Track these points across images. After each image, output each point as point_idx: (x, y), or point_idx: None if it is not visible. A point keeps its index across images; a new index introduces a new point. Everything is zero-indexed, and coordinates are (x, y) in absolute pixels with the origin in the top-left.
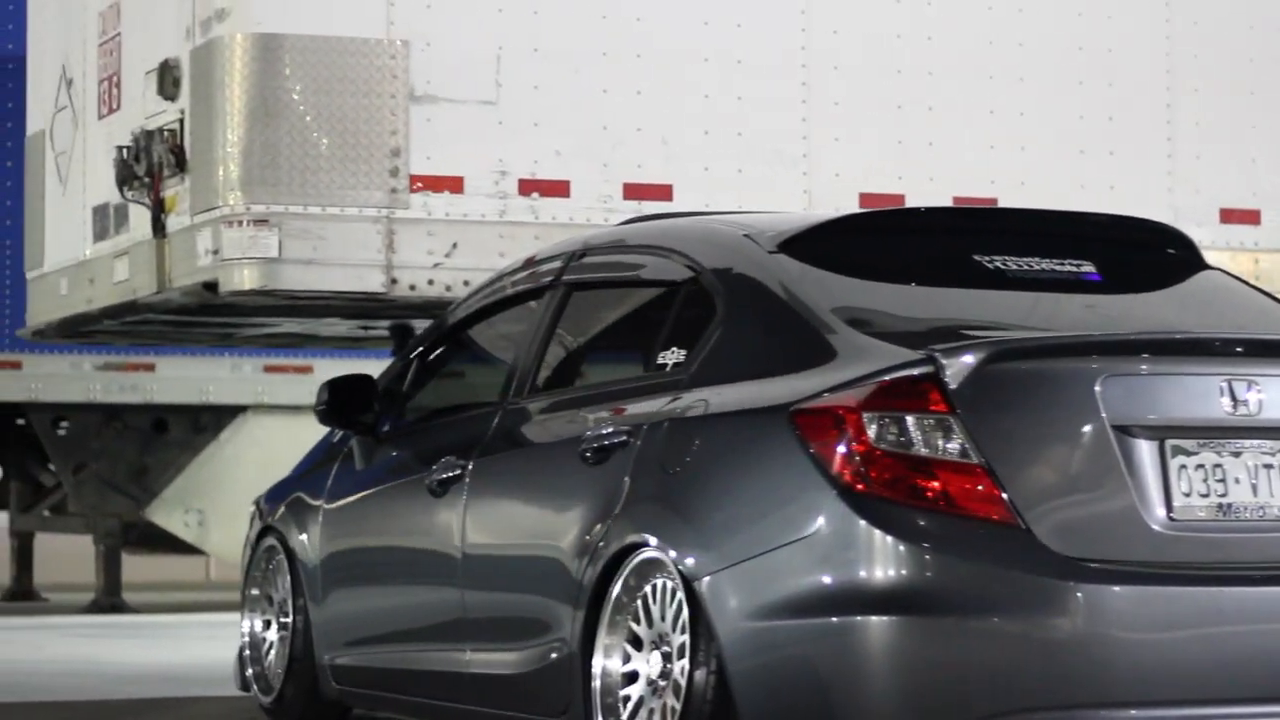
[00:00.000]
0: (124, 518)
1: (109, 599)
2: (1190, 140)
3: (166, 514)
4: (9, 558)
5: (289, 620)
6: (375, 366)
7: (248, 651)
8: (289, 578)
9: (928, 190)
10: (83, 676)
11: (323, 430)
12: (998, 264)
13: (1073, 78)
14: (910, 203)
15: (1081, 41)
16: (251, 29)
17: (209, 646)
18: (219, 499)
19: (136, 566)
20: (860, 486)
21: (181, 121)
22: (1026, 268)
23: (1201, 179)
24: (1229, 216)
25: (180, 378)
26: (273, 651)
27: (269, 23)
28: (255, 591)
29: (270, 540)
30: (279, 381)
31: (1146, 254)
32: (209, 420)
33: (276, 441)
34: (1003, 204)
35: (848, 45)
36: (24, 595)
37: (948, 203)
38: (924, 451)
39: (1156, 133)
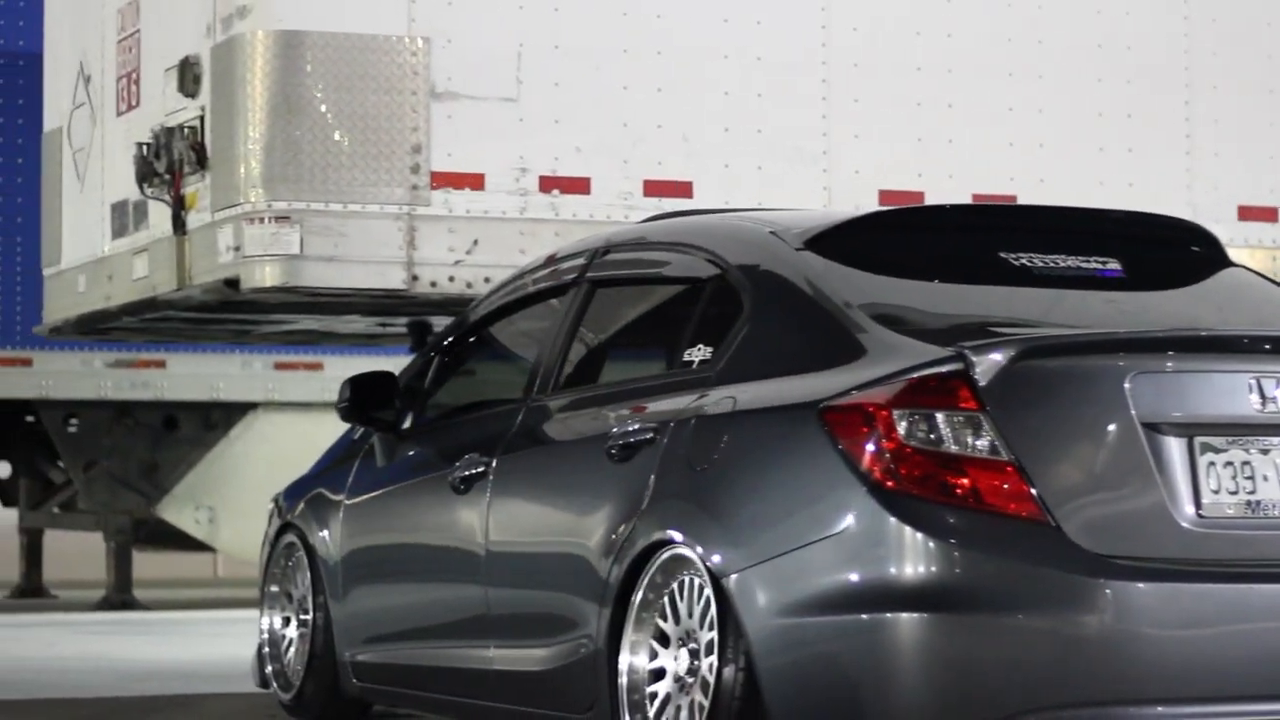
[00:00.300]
0: (134, 515)
1: (119, 596)
2: (1208, 138)
3: (177, 511)
4: (18, 555)
5: (309, 617)
6: (386, 363)
7: (267, 649)
8: (309, 574)
9: (947, 187)
10: (97, 673)
11: (335, 427)
12: (1024, 261)
13: (1091, 75)
14: (929, 200)
15: (1100, 39)
16: (273, 26)
17: (221, 643)
18: (229, 496)
19: (143, 563)
20: (890, 483)
21: (202, 118)
22: (1052, 265)
23: (1219, 176)
24: (1247, 214)
25: (191, 375)
26: (292, 648)
27: (290, 20)
28: (274, 588)
29: (290, 537)
30: (289, 379)
31: (1171, 251)
32: (219, 417)
33: (287, 438)
34: (1022, 201)
35: (867, 43)
36: (33, 592)
37: (967, 200)
38: (954, 449)
39: (1175, 130)
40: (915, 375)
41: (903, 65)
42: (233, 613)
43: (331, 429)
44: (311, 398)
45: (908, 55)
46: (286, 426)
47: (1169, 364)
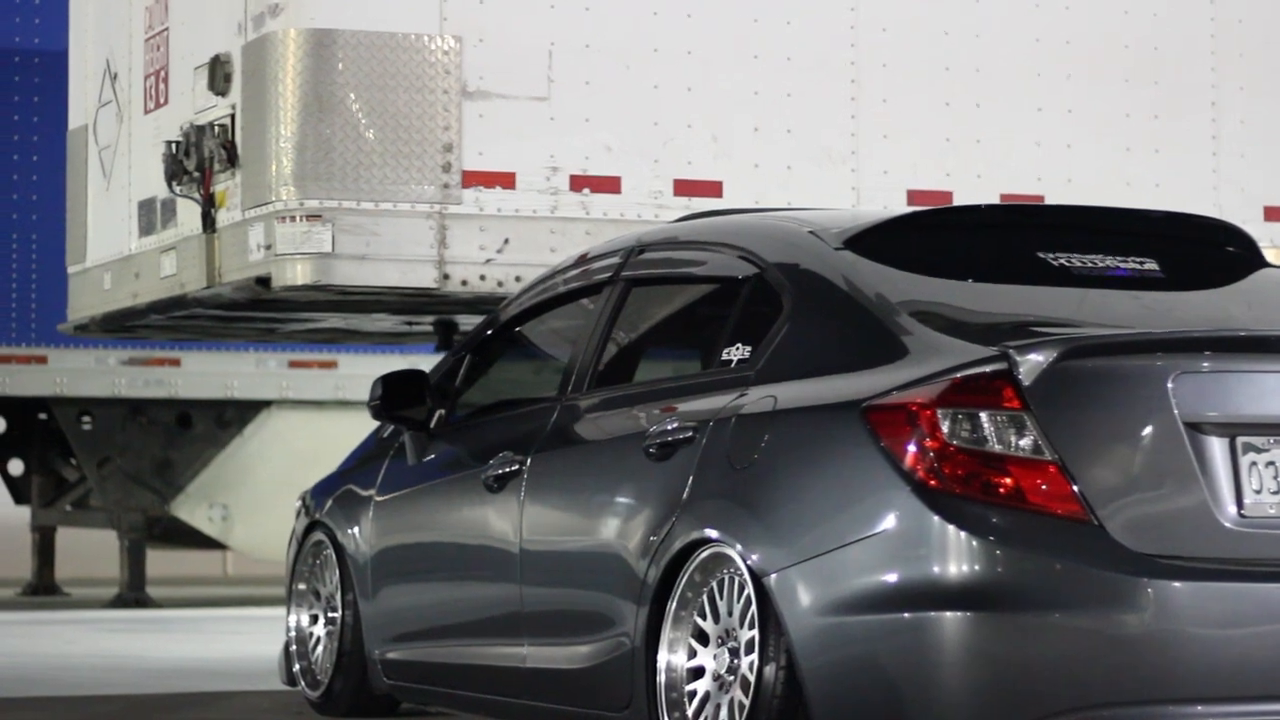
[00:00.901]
0: (148, 512)
1: (133, 593)
2: (1235, 139)
3: (190, 509)
4: (31, 552)
5: (337, 615)
6: (400, 362)
7: (294, 646)
8: (337, 572)
9: (975, 187)
10: (119, 670)
11: (348, 425)
12: (1062, 261)
13: (1119, 76)
14: (958, 200)
15: (1128, 40)
16: (305, 24)
17: (240, 641)
18: (243, 494)
19: (152, 561)
20: (934, 482)
21: (233, 116)
22: (1091, 264)
23: (1246, 177)
24: (1273, 215)
25: (205, 373)
26: (320, 646)
27: (322, 18)
28: (302, 586)
29: (318, 535)
30: (303, 377)
31: (1207, 251)
32: (233, 415)
33: (300, 436)
34: (1049, 201)
35: (896, 43)
36: (45, 590)
37: (994, 199)
38: (997, 448)
39: (1202, 131)
40: (959, 375)
41: (931, 65)
42: (249, 610)
43: (345, 427)
44: (325, 396)
45: (936, 55)
46: (300, 424)
47: (1211, 364)
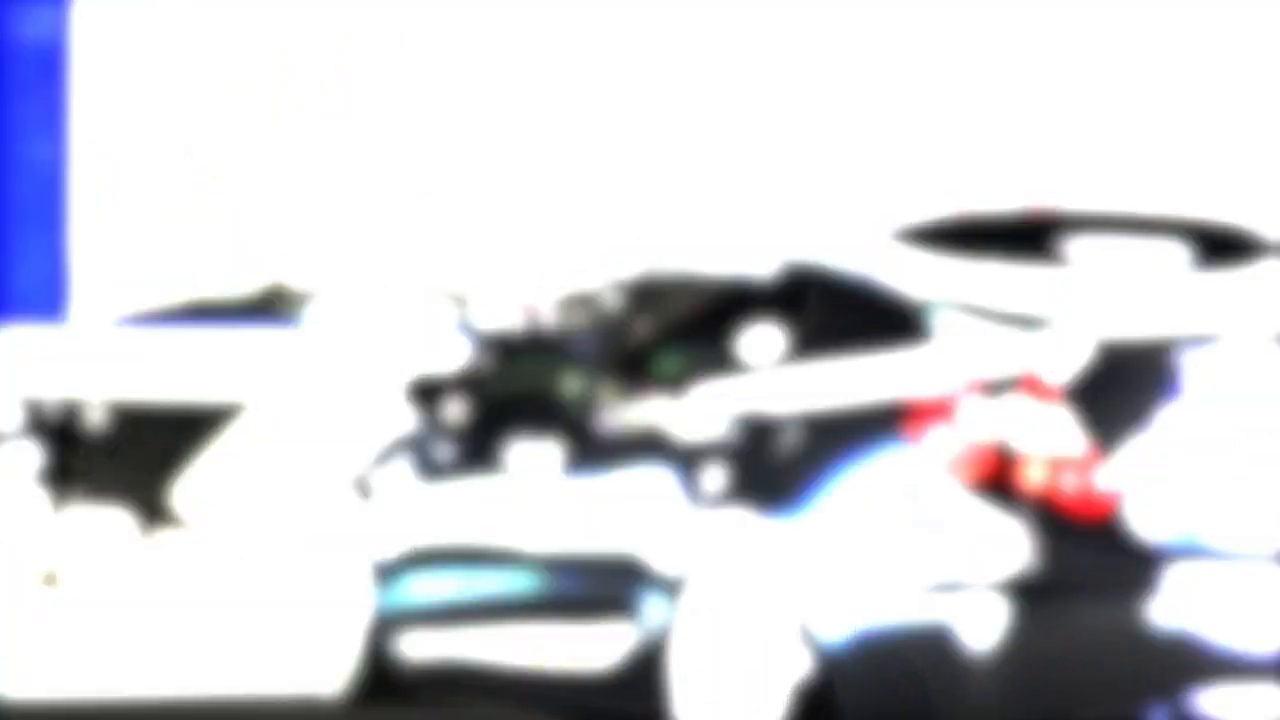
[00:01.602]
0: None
1: None
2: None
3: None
4: None
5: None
6: None
7: None
8: None
9: (997, 192)
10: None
11: None
12: (1097, 259)
13: (1143, 82)
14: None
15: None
16: None
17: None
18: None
19: None
20: (967, 476)
21: None
22: (1124, 263)
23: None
24: None
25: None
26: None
27: None
28: None
29: None
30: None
31: (1237, 252)
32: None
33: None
34: (1070, 207)
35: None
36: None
37: (1014, 205)
38: (1034, 441)
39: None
40: (995, 368)
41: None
42: None
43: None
44: None
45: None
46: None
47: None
